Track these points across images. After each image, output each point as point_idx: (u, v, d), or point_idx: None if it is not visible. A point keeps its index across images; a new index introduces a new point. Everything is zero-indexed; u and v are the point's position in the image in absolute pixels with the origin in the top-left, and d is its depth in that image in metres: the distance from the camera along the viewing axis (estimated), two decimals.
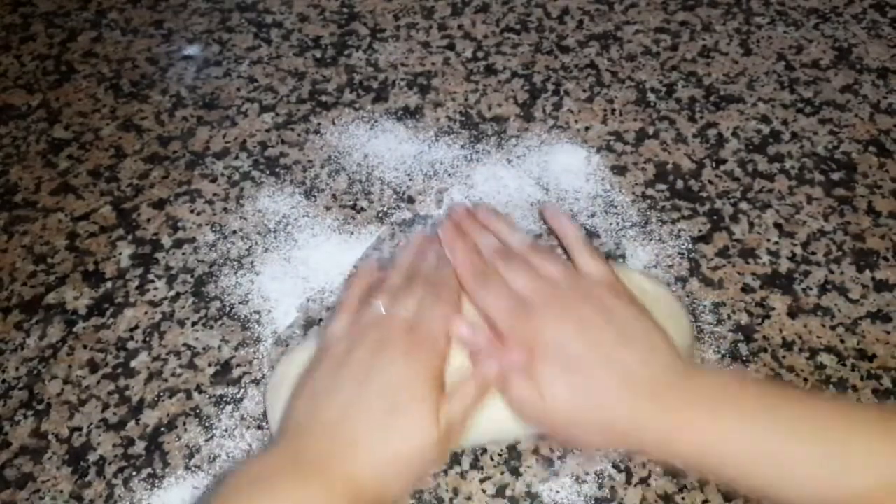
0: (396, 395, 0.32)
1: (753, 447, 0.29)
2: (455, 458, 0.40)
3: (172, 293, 0.48)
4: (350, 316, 0.38)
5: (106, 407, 0.43)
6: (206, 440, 0.42)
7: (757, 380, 0.38)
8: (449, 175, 0.55)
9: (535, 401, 0.33)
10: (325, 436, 0.31)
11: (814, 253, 0.49)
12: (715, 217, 0.52)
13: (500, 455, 0.40)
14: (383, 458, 0.31)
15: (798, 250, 0.50)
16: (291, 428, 0.32)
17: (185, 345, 0.46)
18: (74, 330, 0.47)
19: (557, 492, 0.39)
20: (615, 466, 0.40)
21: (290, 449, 0.31)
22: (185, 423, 0.42)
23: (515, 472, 0.40)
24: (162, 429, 0.42)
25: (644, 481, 0.39)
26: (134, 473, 0.41)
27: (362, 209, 0.53)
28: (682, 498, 0.39)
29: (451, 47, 0.65)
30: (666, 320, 0.37)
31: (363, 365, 0.33)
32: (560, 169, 0.55)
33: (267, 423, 0.41)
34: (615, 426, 0.32)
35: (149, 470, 0.41)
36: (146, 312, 0.47)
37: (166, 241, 0.51)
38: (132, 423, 0.43)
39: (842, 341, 0.45)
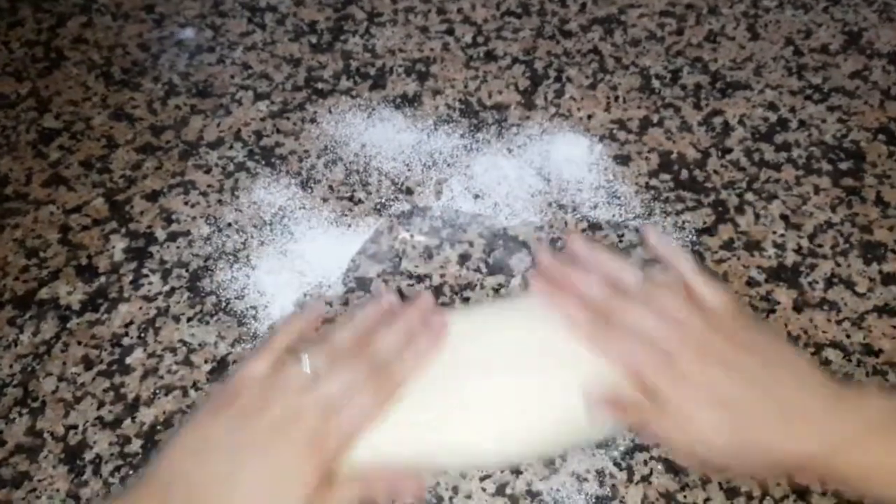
0: (274, 487, 0.30)
1: None
2: None
3: (167, 288, 0.48)
4: (271, 363, 0.33)
5: (101, 404, 0.43)
6: None
7: None
8: (448, 165, 0.54)
9: (697, 443, 0.31)
10: (188, 491, 0.29)
11: (820, 245, 0.48)
12: (720, 208, 0.50)
13: None
14: None
15: (804, 243, 0.49)
16: (161, 472, 0.30)
17: (180, 341, 0.45)
18: (68, 326, 0.46)
19: (558, 490, 0.39)
20: (616, 465, 0.39)
21: (152, 498, 0.29)
22: (181, 421, 0.42)
23: (515, 471, 0.39)
24: (158, 426, 0.42)
25: (645, 479, 0.39)
26: (130, 472, 0.40)
27: (360, 201, 0.52)
28: (684, 496, 0.38)
29: (450, 32, 0.63)
30: None
31: (258, 438, 0.31)
32: (562, 158, 0.54)
33: None
34: (776, 456, 0.31)
35: (145, 468, 0.40)
36: (141, 308, 0.47)
37: (160, 234, 0.51)
38: (128, 420, 0.42)
39: (848, 336, 0.44)
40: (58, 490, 0.40)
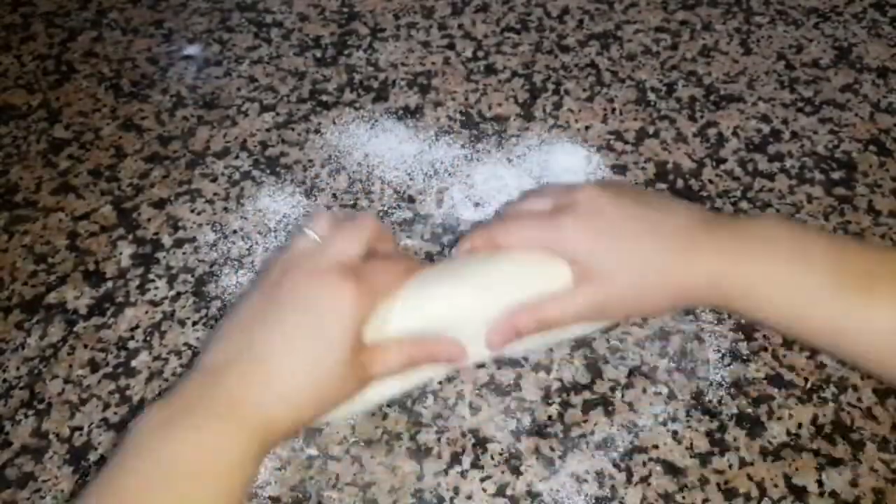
0: (316, 332, 0.31)
1: (792, 287, 0.31)
2: (456, 458, 0.40)
3: (173, 293, 0.48)
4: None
5: (107, 406, 0.43)
6: None
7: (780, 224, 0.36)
8: (449, 174, 0.55)
9: (595, 290, 0.33)
10: (240, 369, 0.30)
11: None
12: None
13: (500, 454, 0.40)
14: (297, 390, 0.30)
15: None
16: (211, 359, 0.31)
17: (185, 344, 0.46)
18: (75, 329, 0.47)
19: (558, 491, 0.39)
20: (615, 466, 0.40)
21: (205, 385, 0.30)
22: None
23: (516, 472, 0.40)
24: None
25: (644, 480, 0.39)
26: None
27: (363, 208, 0.53)
28: (683, 497, 0.39)
29: (451, 47, 0.65)
30: None
31: (288, 297, 0.32)
32: (560, 168, 0.55)
33: None
34: (671, 279, 0.33)
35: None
36: (147, 312, 0.48)
37: (167, 240, 0.52)
38: (133, 422, 0.42)
39: None
40: (62, 491, 0.40)
